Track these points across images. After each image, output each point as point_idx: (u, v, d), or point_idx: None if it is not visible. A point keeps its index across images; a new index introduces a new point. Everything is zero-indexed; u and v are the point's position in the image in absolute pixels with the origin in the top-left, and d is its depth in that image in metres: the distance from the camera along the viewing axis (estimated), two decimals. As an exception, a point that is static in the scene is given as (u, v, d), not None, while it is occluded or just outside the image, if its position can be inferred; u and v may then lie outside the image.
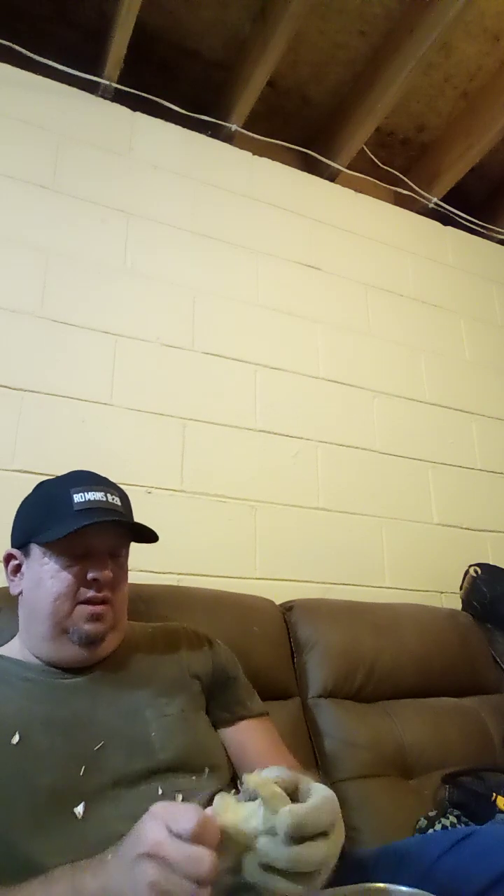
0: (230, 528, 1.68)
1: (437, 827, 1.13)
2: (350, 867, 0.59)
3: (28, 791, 0.78)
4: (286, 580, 1.69)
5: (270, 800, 0.57)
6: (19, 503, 1.01)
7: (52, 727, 0.84)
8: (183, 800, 0.79)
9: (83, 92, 1.91)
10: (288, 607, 1.51)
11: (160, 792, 0.81)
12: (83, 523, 0.89)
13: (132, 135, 1.96)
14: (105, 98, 1.94)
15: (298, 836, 0.55)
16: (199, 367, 1.80)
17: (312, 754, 1.27)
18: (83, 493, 0.93)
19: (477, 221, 2.49)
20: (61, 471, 1.03)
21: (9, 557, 0.99)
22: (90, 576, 0.91)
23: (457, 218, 2.46)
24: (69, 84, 1.88)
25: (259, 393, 1.86)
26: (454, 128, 2.27)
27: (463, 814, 1.16)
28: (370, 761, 1.27)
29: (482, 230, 2.53)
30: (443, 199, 2.41)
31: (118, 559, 0.97)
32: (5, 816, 0.76)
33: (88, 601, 0.91)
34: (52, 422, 1.56)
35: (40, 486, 1.01)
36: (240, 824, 0.57)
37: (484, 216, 2.52)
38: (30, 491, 1.01)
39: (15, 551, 0.98)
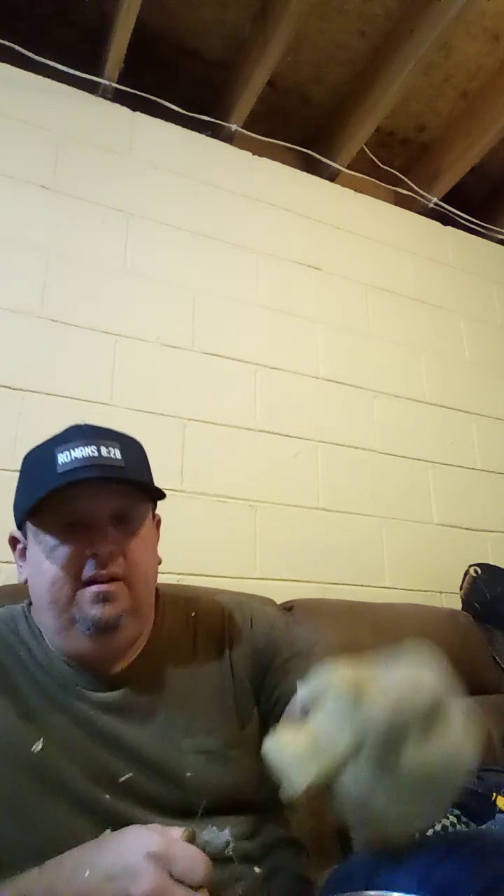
0: (230, 528, 1.68)
1: (437, 827, 1.13)
2: (346, 873, 0.58)
3: (48, 807, 0.71)
4: (286, 580, 1.69)
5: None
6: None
7: (76, 743, 0.75)
8: (206, 841, 0.71)
9: (83, 92, 1.91)
10: (288, 607, 1.51)
11: None
12: (54, 486, 0.74)
13: (132, 135, 1.96)
14: (105, 98, 1.94)
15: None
16: (199, 367, 1.80)
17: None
18: (69, 450, 0.78)
19: (477, 221, 2.49)
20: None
21: (13, 540, 0.85)
22: (87, 551, 0.76)
23: (457, 218, 2.46)
24: (69, 84, 1.88)
25: (259, 393, 1.86)
26: (454, 128, 2.27)
27: (463, 814, 1.16)
28: (370, 761, 1.27)
29: (482, 230, 2.53)
30: (443, 199, 2.40)
31: (128, 524, 0.80)
32: (22, 833, 0.70)
33: (93, 580, 0.75)
34: (52, 422, 1.54)
35: (29, 453, 0.86)
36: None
37: (484, 216, 2.52)
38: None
39: (17, 533, 0.84)
